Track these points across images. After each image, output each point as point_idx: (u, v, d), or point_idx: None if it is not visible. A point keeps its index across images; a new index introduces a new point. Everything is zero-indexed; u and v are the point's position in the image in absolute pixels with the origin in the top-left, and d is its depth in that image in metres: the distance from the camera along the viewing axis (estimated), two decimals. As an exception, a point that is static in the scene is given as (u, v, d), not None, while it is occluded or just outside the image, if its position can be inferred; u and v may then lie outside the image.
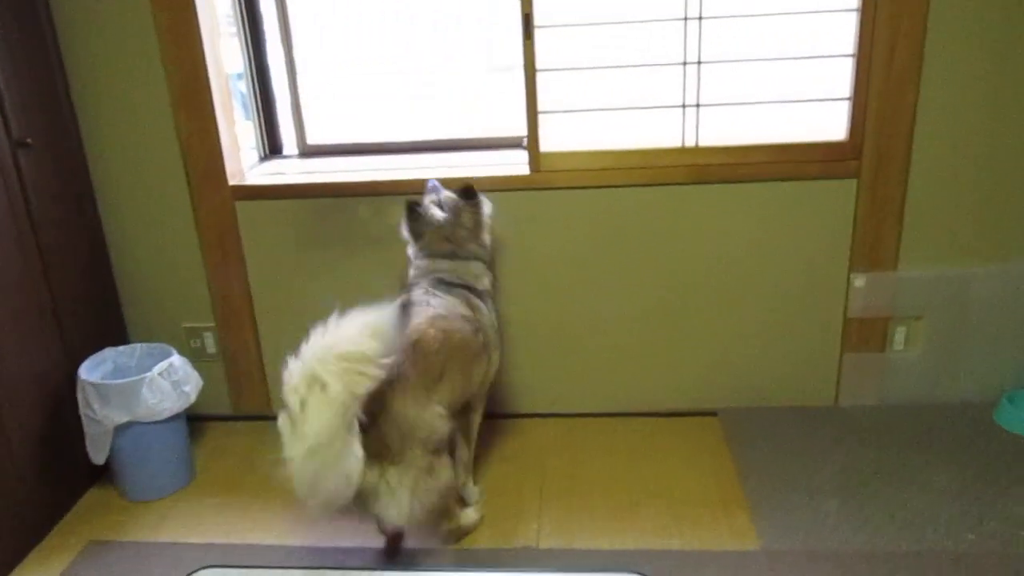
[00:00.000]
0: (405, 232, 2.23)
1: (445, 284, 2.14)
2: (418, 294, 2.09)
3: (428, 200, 2.23)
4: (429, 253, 2.20)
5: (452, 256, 2.19)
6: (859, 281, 2.43)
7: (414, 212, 2.20)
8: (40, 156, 2.22)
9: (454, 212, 2.20)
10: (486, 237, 2.26)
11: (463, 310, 2.11)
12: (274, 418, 2.66)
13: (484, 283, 2.23)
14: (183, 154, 2.44)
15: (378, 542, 2.10)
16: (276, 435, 2.64)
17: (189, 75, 2.35)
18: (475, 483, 2.27)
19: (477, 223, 2.22)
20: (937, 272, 2.42)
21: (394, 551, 2.08)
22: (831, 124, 2.37)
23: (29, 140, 2.16)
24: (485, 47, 2.70)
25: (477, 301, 2.18)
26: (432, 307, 2.03)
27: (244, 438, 2.65)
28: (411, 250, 2.25)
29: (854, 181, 2.35)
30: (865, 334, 2.50)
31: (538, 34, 2.29)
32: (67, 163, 2.37)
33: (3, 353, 2.07)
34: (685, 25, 2.28)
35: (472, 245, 2.21)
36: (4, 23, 2.09)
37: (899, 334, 2.49)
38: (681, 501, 2.20)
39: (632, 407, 2.65)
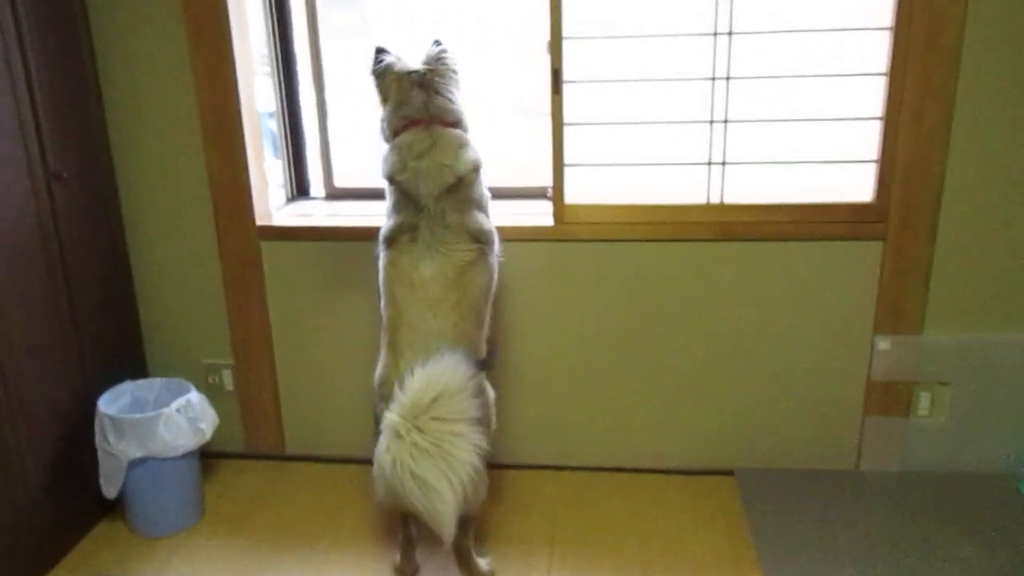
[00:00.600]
0: (374, 86, 2.11)
1: (441, 227, 1.98)
2: (415, 276, 1.95)
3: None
4: (402, 116, 2.04)
5: (428, 119, 2.02)
6: (883, 344, 2.40)
7: (381, 57, 2.08)
8: (73, 189, 2.26)
9: (426, 61, 2.07)
10: (460, 95, 2.10)
11: (468, 255, 1.98)
12: (287, 458, 2.70)
13: (469, 156, 2.03)
14: (212, 192, 2.47)
15: (385, 592, 2.08)
16: (288, 475, 2.64)
17: (222, 115, 2.39)
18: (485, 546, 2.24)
19: (450, 69, 2.09)
20: (964, 338, 2.39)
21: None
22: (857, 185, 2.36)
23: (64, 174, 2.20)
24: (513, 93, 2.73)
25: (476, 219, 2.02)
26: (441, 303, 1.93)
27: (255, 477, 2.64)
28: (382, 123, 2.11)
29: (880, 243, 2.33)
30: (888, 398, 2.46)
31: (566, 89, 2.31)
32: (98, 196, 2.41)
33: (25, 381, 2.09)
34: (712, 84, 2.29)
35: (448, 95, 2.06)
36: (47, 61, 2.14)
37: (924, 399, 2.45)
38: (694, 563, 2.16)
39: (648, 463, 2.61)
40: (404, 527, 2.11)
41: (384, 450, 1.75)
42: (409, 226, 1.99)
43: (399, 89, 2.06)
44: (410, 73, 2.07)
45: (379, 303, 2.05)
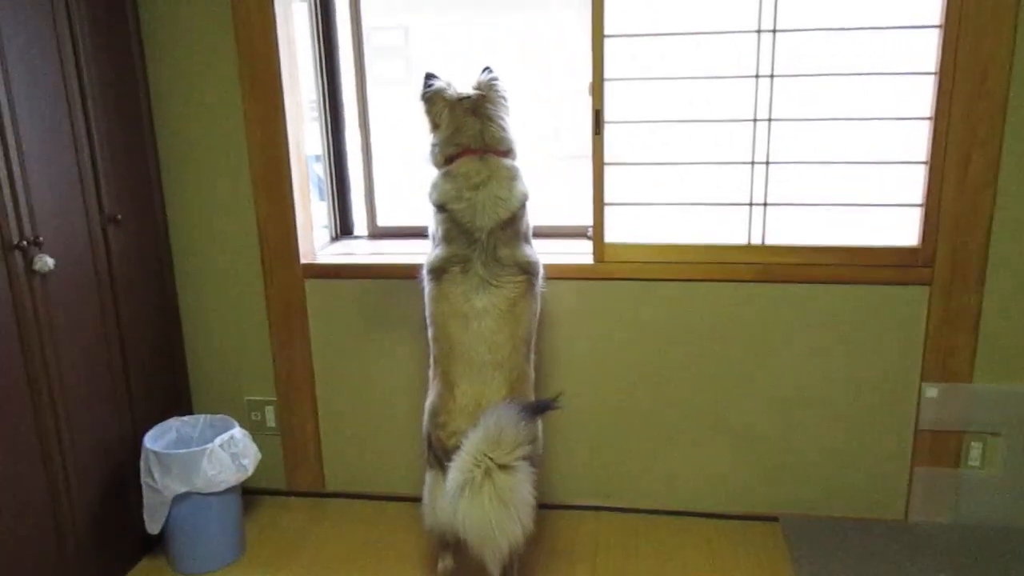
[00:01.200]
0: (423, 111, 2.11)
1: (492, 260, 1.99)
2: (466, 309, 1.97)
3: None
4: (456, 143, 2.04)
5: (482, 148, 2.03)
6: (931, 392, 2.35)
7: (431, 82, 2.08)
8: (127, 231, 2.34)
9: (478, 87, 2.09)
10: (511, 122, 2.10)
11: (518, 287, 2.00)
12: (328, 495, 2.71)
13: (521, 190, 2.05)
14: (260, 233, 2.54)
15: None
16: (329, 512, 2.65)
17: (271, 160, 2.46)
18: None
19: (501, 96, 2.09)
20: (1016, 387, 2.32)
21: None
22: (903, 228, 2.33)
23: (119, 217, 2.27)
24: (553, 136, 2.77)
25: (524, 251, 2.04)
26: (495, 336, 1.96)
27: (296, 514, 2.65)
28: (433, 148, 2.10)
29: (927, 288, 2.29)
30: (937, 448, 2.39)
31: (607, 129, 2.33)
32: (150, 238, 2.49)
33: (75, 419, 2.14)
34: (754, 126, 2.30)
35: (501, 122, 2.07)
36: (106, 108, 2.23)
37: (975, 450, 2.38)
38: (738, 614, 2.11)
39: (689, 506, 2.57)
40: (443, 559, 2.11)
41: (457, 496, 1.81)
42: (461, 258, 2.00)
43: (452, 115, 2.06)
44: (462, 99, 2.07)
45: (425, 333, 2.08)
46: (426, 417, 2.03)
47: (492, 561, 1.82)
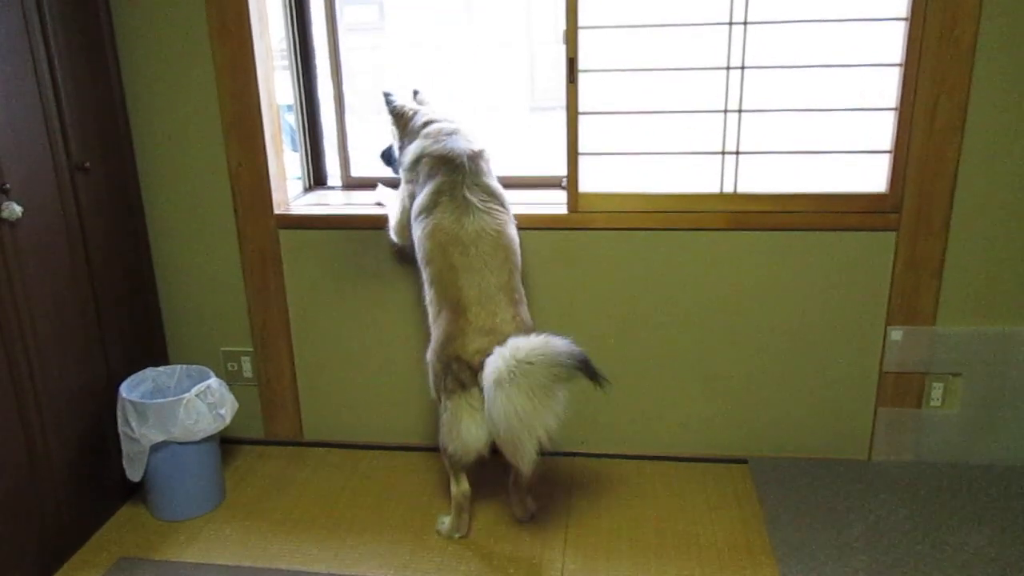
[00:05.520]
0: (391, 123, 2.40)
1: (475, 184, 2.15)
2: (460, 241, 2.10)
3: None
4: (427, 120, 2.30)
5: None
6: (896, 335, 2.41)
7: (391, 99, 2.39)
8: (96, 179, 2.31)
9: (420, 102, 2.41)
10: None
11: (502, 216, 2.16)
12: (306, 444, 2.74)
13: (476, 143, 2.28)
14: (232, 182, 2.51)
15: (403, 572, 2.11)
16: (307, 461, 2.68)
17: (242, 107, 2.43)
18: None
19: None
20: (977, 329, 2.39)
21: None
22: (871, 175, 2.37)
23: (87, 164, 2.24)
24: (527, 88, 2.76)
25: (498, 188, 2.22)
26: (493, 258, 2.09)
27: (274, 463, 2.68)
28: (399, 147, 2.38)
29: (893, 234, 2.34)
30: (901, 389, 2.47)
31: (582, 78, 2.33)
32: (120, 186, 2.45)
33: (49, 368, 2.14)
34: (727, 74, 2.31)
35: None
36: (70, 52, 2.19)
37: (936, 390, 2.46)
38: (707, 549, 2.18)
39: (661, 450, 2.64)
40: (460, 483, 2.20)
41: (494, 391, 1.91)
42: (448, 184, 2.13)
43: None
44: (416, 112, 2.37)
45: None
46: (437, 348, 2.09)
47: (529, 452, 1.93)
